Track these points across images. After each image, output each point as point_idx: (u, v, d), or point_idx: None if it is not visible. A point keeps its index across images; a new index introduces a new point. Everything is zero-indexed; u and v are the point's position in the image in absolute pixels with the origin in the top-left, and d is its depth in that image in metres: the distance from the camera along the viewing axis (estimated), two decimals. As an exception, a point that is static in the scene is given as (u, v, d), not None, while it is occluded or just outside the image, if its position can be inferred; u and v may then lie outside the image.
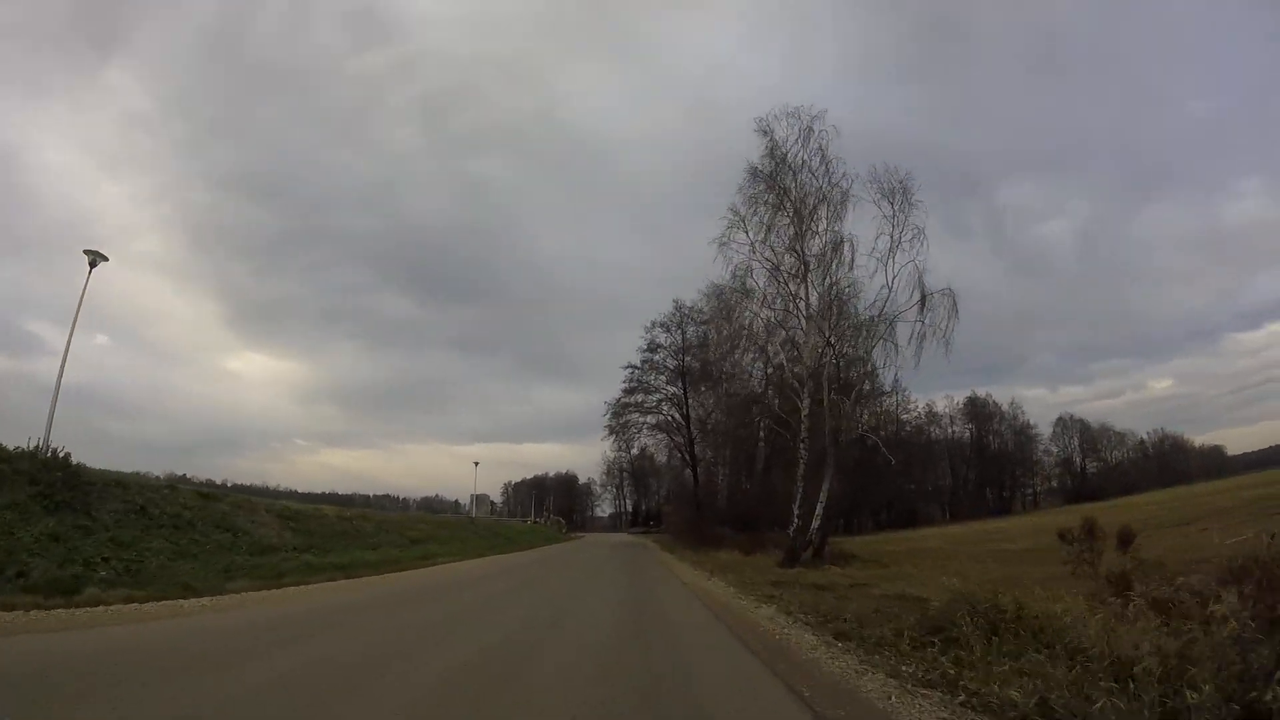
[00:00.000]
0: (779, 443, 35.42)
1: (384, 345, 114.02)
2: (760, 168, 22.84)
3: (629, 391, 40.01)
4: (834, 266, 22.87)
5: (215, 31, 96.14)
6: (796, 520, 21.48)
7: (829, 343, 22.79)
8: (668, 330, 38.98)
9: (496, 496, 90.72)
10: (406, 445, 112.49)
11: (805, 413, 22.04)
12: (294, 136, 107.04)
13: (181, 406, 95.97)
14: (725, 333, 28.73)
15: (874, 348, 22.94)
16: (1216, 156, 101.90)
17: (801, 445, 21.98)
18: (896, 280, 21.67)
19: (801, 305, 22.99)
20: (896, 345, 22.15)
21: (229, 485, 46.68)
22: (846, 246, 22.65)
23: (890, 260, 21.68)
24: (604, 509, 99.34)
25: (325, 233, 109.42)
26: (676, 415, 39.18)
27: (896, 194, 21.67)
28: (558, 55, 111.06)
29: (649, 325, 39.63)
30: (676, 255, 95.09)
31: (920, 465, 65.56)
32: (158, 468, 44.38)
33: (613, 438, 40.23)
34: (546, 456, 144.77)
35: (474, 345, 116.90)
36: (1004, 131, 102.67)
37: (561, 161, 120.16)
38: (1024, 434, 74.59)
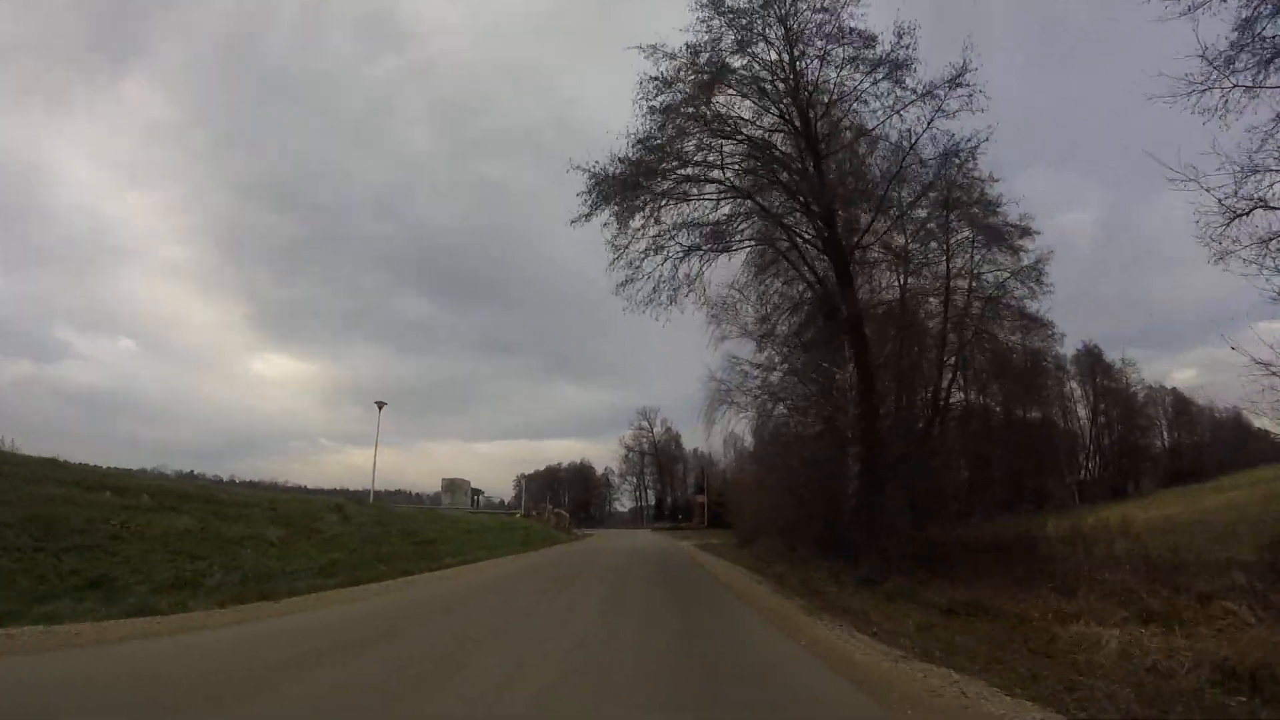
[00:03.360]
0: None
1: (405, 347, 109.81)
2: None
3: (647, 148, 13.88)
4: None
5: (232, 42, 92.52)
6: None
7: None
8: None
9: (508, 491, 77.63)
10: (427, 444, 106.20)
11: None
12: (310, 143, 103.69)
13: (206, 409, 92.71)
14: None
15: None
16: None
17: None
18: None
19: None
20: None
21: (237, 482, 42.76)
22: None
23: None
24: (624, 503, 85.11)
25: (344, 237, 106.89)
26: (787, 177, 14.06)
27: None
28: (567, 58, 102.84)
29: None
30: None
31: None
32: (178, 468, 41.92)
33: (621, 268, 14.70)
34: (566, 452, 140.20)
35: (493, 346, 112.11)
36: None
37: (572, 164, 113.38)
38: (1134, 401, 63.31)
